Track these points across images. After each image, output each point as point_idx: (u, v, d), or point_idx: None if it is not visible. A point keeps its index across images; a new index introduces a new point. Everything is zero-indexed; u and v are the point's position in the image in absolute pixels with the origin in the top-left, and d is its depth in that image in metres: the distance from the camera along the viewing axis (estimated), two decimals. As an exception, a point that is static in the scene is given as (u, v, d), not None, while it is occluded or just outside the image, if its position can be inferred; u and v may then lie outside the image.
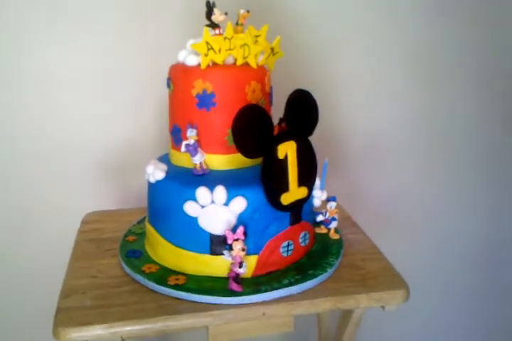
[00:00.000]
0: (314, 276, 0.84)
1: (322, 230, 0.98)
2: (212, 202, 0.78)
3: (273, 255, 0.84)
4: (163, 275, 0.84)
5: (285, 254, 0.85)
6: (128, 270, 0.86)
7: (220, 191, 0.78)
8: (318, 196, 0.91)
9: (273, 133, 0.78)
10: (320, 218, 0.95)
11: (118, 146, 1.20)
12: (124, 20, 1.09)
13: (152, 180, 0.84)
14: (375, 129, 1.30)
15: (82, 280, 0.85)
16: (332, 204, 0.94)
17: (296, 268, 0.86)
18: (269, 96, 0.88)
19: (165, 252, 0.86)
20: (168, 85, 0.86)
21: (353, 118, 1.28)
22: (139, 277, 0.84)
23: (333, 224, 0.97)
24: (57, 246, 1.11)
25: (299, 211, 0.86)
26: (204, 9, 0.81)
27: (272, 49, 0.87)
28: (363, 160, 1.33)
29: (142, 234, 0.97)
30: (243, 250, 0.78)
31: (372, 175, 1.35)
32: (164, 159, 0.91)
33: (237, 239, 0.78)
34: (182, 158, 0.86)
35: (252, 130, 0.75)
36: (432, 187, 1.41)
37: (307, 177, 0.84)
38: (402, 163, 1.36)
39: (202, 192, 0.78)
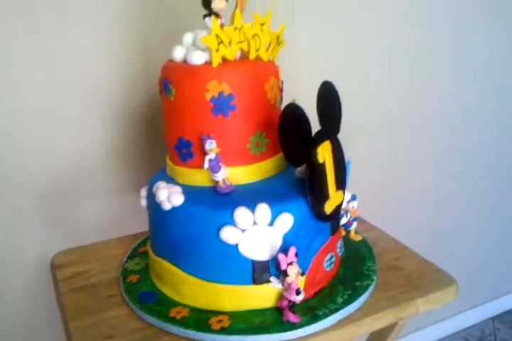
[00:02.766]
0: (365, 288, 0.76)
1: (342, 233, 0.89)
2: (255, 223, 0.66)
3: (318, 272, 0.74)
4: (200, 318, 0.70)
5: (328, 269, 0.76)
6: (151, 319, 0.71)
7: (264, 210, 0.66)
8: (345, 198, 0.82)
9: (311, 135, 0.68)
10: (344, 220, 0.86)
11: (60, 169, 0.94)
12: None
13: (168, 206, 0.69)
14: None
15: (97, 343, 0.68)
16: (354, 204, 0.86)
17: (341, 282, 0.77)
18: (281, 92, 0.77)
19: (193, 290, 0.72)
20: (168, 90, 0.70)
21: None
22: (170, 326, 0.69)
23: (354, 225, 0.89)
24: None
25: (337, 218, 0.77)
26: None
27: (278, 38, 0.75)
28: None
29: (144, 271, 0.82)
30: (300, 274, 0.67)
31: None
32: (163, 179, 0.76)
33: (290, 263, 0.67)
34: (196, 176, 0.72)
35: (298, 134, 0.64)
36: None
37: (341, 180, 0.74)
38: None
39: (242, 213, 0.65)
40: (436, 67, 1.28)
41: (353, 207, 0.86)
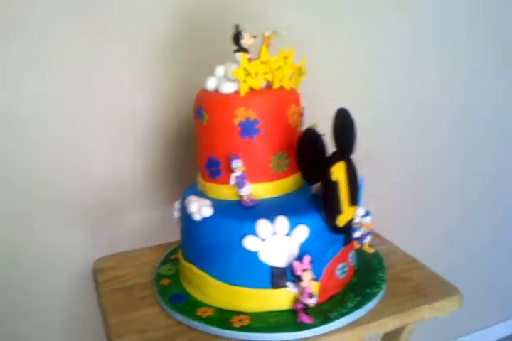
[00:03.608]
0: (374, 295, 0.83)
1: (356, 246, 0.97)
2: (274, 233, 0.75)
3: (331, 279, 0.82)
4: (223, 317, 0.78)
5: (341, 277, 0.83)
6: (180, 317, 0.79)
7: (282, 222, 0.74)
8: (358, 213, 0.90)
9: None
10: (357, 234, 0.94)
11: (104, 185, 1.05)
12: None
13: (198, 217, 0.78)
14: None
15: (132, 337, 0.77)
16: (367, 219, 0.93)
17: (352, 290, 0.84)
18: (302, 117, 0.86)
19: (218, 293, 0.80)
20: (201, 115, 0.80)
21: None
22: (196, 324, 0.77)
23: (368, 239, 0.96)
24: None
25: (350, 231, 0.85)
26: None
27: (299, 69, 0.85)
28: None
29: (175, 276, 0.91)
30: (313, 280, 0.75)
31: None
32: (195, 193, 0.85)
33: (305, 269, 0.75)
34: (224, 191, 0.81)
35: (314, 155, 0.73)
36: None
37: (355, 196, 0.82)
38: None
39: (263, 224, 0.74)
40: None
41: (366, 222, 0.94)
